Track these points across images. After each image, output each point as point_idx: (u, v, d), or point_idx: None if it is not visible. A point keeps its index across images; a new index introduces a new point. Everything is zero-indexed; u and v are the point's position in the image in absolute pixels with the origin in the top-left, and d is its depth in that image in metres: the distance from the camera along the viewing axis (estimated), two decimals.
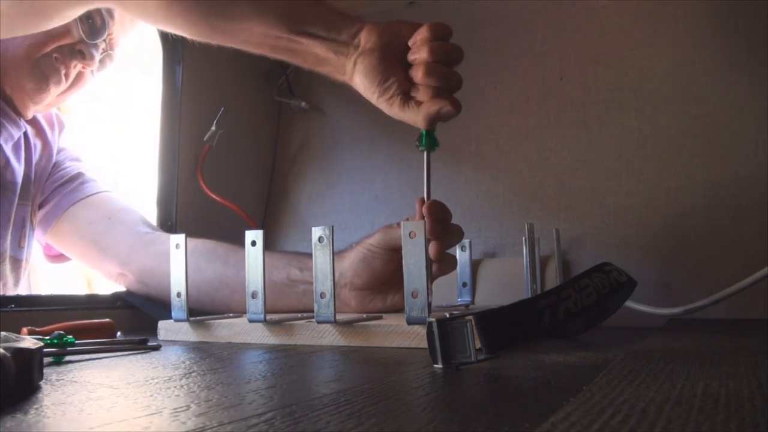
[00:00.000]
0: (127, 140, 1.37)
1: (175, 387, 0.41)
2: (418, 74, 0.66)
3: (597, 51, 0.97)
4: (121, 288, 0.94)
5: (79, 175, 0.99)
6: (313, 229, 0.64)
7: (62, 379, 0.44)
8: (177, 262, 0.72)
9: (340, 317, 0.65)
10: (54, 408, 0.34)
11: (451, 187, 1.02)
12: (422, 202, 0.68)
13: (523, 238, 0.83)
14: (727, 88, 0.88)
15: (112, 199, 0.99)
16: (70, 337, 0.58)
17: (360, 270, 0.78)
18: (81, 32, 0.89)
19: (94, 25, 0.90)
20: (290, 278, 0.83)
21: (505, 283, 0.91)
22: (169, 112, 1.04)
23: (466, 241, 0.91)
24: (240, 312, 0.78)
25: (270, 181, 1.21)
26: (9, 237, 0.91)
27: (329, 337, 0.65)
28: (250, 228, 0.77)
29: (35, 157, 0.96)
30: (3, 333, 0.42)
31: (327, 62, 0.69)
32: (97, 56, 0.92)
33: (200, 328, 0.72)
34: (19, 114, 0.92)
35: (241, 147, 1.16)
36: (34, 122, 0.97)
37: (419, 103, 0.66)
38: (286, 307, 0.83)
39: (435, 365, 0.46)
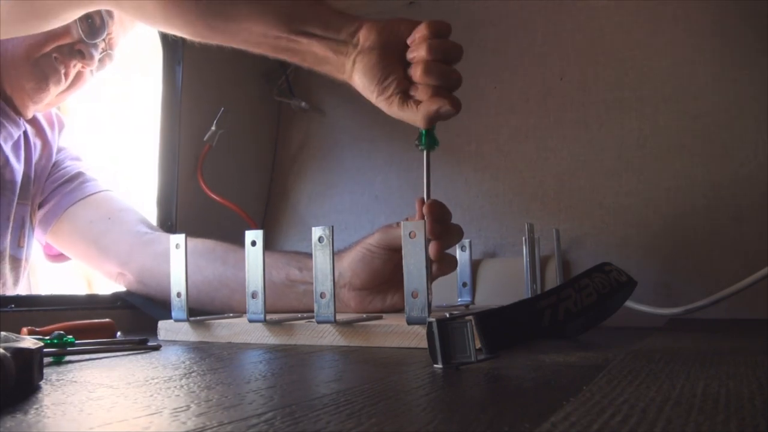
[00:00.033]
0: (127, 140, 1.37)
1: (175, 387, 0.41)
2: (416, 73, 0.65)
3: (597, 51, 0.97)
4: (121, 288, 0.94)
5: (79, 174, 0.99)
6: (313, 229, 0.64)
7: (62, 379, 0.44)
8: (177, 262, 0.72)
9: (340, 317, 0.65)
10: (54, 408, 0.34)
11: (451, 187, 1.02)
12: (422, 202, 0.68)
13: (523, 238, 0.83)
14: (727, 88, 0.88)
15: (112, 198, 0.99)
16: (70, 337, 0.58)
17: (359, 270, 0.78)
18: (80, 32, 0.89)
19: (94, 24, 0.90)
20: (290, 278, 0.83)
21: (505, 283, 0.91)
22: (169, 112, 1.04)
23: (466, 241, 0.91)
24: (240, 312, 0.78)
25: (270, 181, 1.21)
26: (9, 236, 0.91)
27: (329, 337, 0.65)
28: (250, 228, 0.77)
29: (35, 156, 0.96)
30: (3, 333, 0.42)
31: (326, 61, 0.69)
32: (97, 56, 0.92)
33: (200, 328, 0.72)
34: (19, 113, 0.92)
35: (241, 147, 1.16)
36: (33, 122, 0.97)
37: (418, 102, 0.66)
38: (285, 307, 0.83)
39: (435, 365, 0.46)
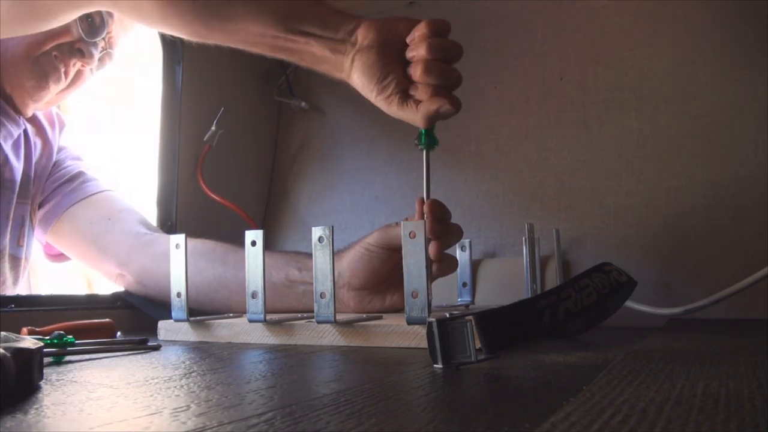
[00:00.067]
0: (127, 140, 1.37)
1: (175, 387, 0.41)
2: (416, 72, 0.65)
3: (597, 51, 0.97)
4: (121, 288, 0.94)
5: (79, 174, 0.99)
6: (313, 229, 0.64)
7: (62, 379, 0.44)
8: (177, 262, 0.72)
9: (340, 317, 0.65)
10: (54, 408, 0.34)
11: (451, 187, 1.02)
12: (422, 202, 0.68)
13: (523, 238, 0.83)
14: (727, 88, 0.88)
15: (113, 198, 0.99)
16: (70, 337, 0.58)
17: (357, 270, 0.78)
18: (80, 31, 0.89)
19: (93, 23, 0.90)
20: (289, 279, 0.83)
21: (505, 283, 0.91)
22: (169, 112, 1.04)
23: (466, 241, 0.91)
24: (239, 313, 0.78)
25: (270, 181, 1.21)
26: (8, 235, 0.91)
27: (329, 337, 0.65)
28: (250, 228, 0.77)
29: (35, 155, 0.96)
30: (3, 333, 0.42)
31: (324, 60, 0.68)
32: (97, 55, 0.92)
33: (200, 328, 0.72)
34: (19, 112, 0.92)
35: (241, 147, 1.16)
36: (34, 121, 0.97)
37: (418, 102, 0.65)
38: (285, 307, 0.83)
39: (435, 365, 0.46)
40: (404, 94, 0.66)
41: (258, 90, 1.19)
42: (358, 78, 0.67)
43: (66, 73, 0.91)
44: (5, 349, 0.35)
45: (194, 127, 1.05)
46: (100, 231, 0.94)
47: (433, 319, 0.46)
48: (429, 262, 0.61)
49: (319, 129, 1.18)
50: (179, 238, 0.72)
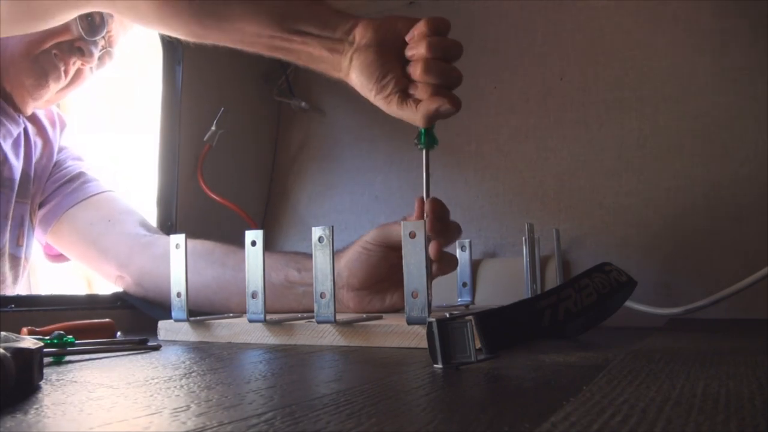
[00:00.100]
0: (127, 140, 1.37)
1: (175, 387, 0.41)
2: (416, 71, 0.65)
3: (597, 51, 0.97)
4: (121, 288, 0.94)
5: (80, 174, 0.99)
6: (313, 229, 0.64)
7: (62, 379, 0.44)
8: (177, 262, 0.72)
9: (340, 317, 0.65)
10: (54, 408, 0.34)
11: (451, 187, 1.02)
12: (422, 201, 0.68)
13: (523, 238, 0.83)
14: (727, 88, 0.88)
15: (113, 199, 0.99)
16: (70, 337, 0.58)
17: (355, 269, 0.78)
18: (80, 29, 0.89)
19: (93, 22, 0.90)
20: (288, 280, 0.82)
21: (505, 283, 0.91)
22: (169, 112, 1.04)
23: (466, 241, 0.91)
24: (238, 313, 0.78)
25: (270, 181, 1.21)
26: (7, 234, 0.91)
27: (329, 337, 0.65)
28: (250, 228, 0.77)
29: (35, 155, 0.96)
30: (3, 333, 0.42)
31: (322, 60, 0.68)
32: (96, 53, 0.92)
33: (200, 328, 0.72)
34: (19, 110, 0.92)
35: (241, 147, 1.16)
36: (35, 120, 0.97)
37: (418, 101, 0.65)
38: (284, 309, 0.82)
39: (435, 365, 0.46)
40: (403, 93, 0.66)
41: (258, 90, 1.19)
42: (357, 77, 0.67)
43: (66, 72, 0.91)
44: (5, 349, 0.35)
45: (194, 127, 1.05)
46: (99, 232, 0.94)
47: (433, 319, 0.46)
48: (429, 261, 0.61)
49: (319, 129, 1.18)
50: (179, 238, 0.72)
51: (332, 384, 0.42)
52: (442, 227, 0.68)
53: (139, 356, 0.58)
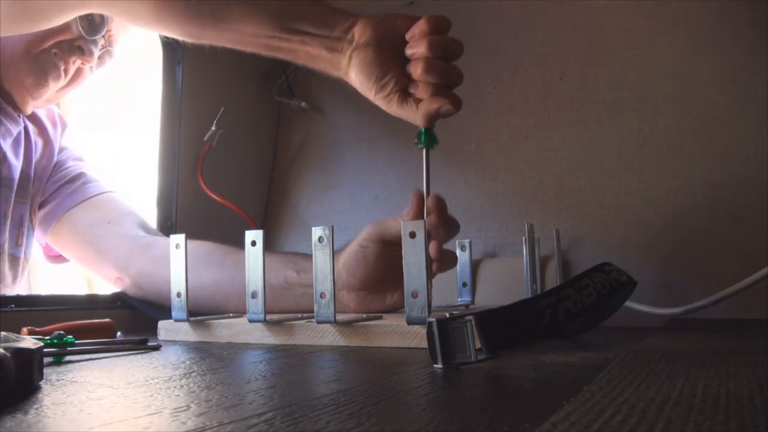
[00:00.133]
0: (127, 140, 1.37)
1: (175, 387, 0.41)
2: (416, 70, 0.64)
3: (597, 51, 0.97)
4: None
5: (81, 175, 0.99)
6: (313, 229, 0.64)
7: (62, 379, 0.44)
8: (177, 262, 0.72)
9: (340, 317, 0.65)
10: (54, 408, 0.34)
11: (451, 187, 1.02)
12: (419, 196, 0.68)
13: (523, 238, 0.83)
14: (727, 88, 0.88)
15: (113, 200, 0.98)
16: (70, 337, 0.58)
17: (353, 268, 0.77)
18: (80, 28, 0.89)
19: (93, 21, 0.90)
20: (287, 281, 0.82)
21: (505, 283, 0.91)
22: (169, 112, 1.04)
23: (466, 241, 0.91)
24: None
25: (270, 181, 1.21)
26: (6, 234, 0.91)
27: (329, 337, 0.65)
28: (250, 228, 0.77)
29: (36, 155, 0.96)
30: (3, 333, 0.42)
31: (320, 59, 0.68)
32: (96, 53, 0.92)
33: (200, 328, 0.72)
34: (18, 110, 0.92)
35: (241, 147, 1.16)
36: (36, 120, 0.97)
37: (418, 101, 0.65)
38: (283, 310, 0.82)
39: (435, 365, 0.46)
40: (404, 93, 0.66)
41: (258, 90, 1.19)
42: (356, 76, 0.67)
43: (66, 71, 0.91)
44: (5, 349, 0.35)
45: (194, 127, 1.05)
46: (99, 234, 0.94)
47: (433, 319, 0.46)
48: (429, 261, 0.61)
49: (319, 129, 1.18)
50: (179, 238, 0.72)
51: (332, 384, 0.42)
52: (444, 223, 0.68)
53: (139, 356, 0.58)
